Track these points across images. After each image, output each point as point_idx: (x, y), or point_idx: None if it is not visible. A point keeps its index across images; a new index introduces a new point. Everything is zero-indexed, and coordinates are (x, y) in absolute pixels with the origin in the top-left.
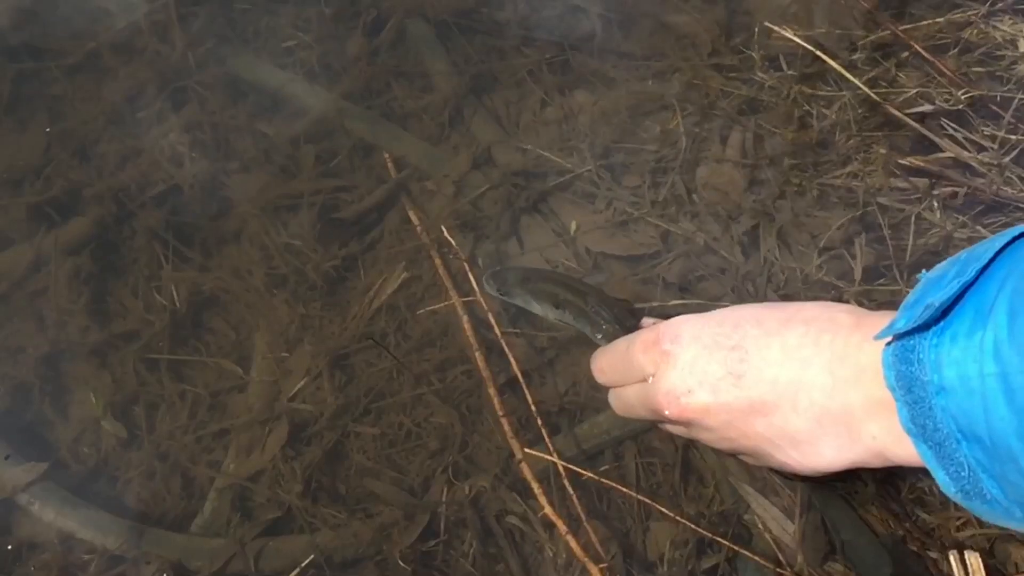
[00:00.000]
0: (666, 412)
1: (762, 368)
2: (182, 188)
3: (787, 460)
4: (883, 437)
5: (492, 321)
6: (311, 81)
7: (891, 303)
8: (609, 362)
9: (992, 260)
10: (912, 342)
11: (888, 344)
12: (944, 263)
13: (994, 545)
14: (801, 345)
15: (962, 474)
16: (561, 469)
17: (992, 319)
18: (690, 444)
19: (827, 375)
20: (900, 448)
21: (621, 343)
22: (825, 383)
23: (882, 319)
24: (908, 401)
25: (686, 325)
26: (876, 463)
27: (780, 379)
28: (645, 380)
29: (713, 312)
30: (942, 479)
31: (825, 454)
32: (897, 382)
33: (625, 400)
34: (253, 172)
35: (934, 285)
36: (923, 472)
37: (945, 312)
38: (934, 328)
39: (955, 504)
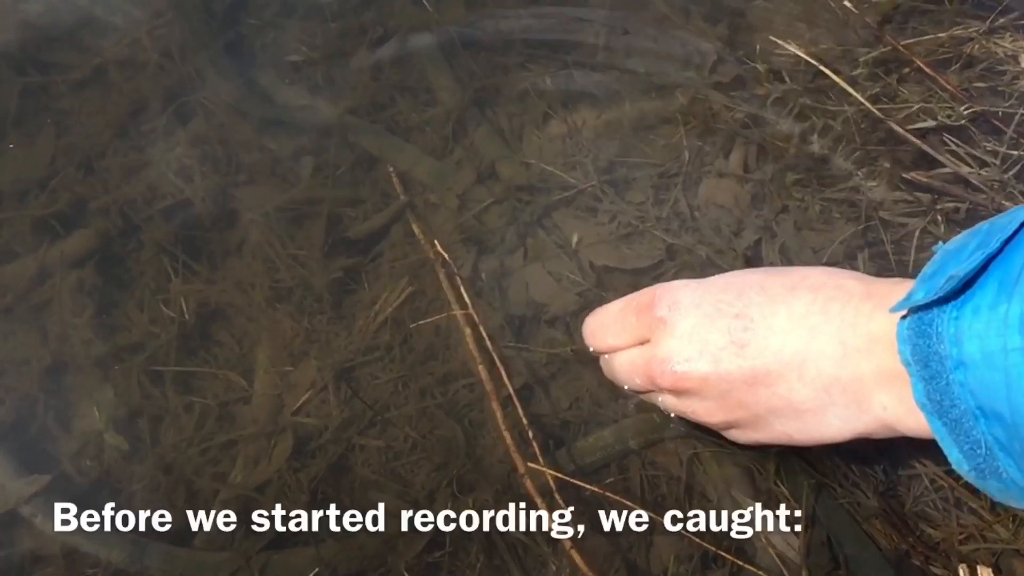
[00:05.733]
0: (660, 381)
1: (767, 337)
2: (192, 202)
3: (788, 431)
4: (894, 408)
5: (485, 335)
6: (317, 95)
7: None
8: (600, 324)
9: (1017, 231)
10: (930, 315)
11: (903, 317)
12: (962, 235)
13: (999, 559)
14: (808, 313)
15: (978, 452)
16: (552, 482)
17: (1017, 291)
18: (694, 457)
19: (837, 344)
20: (911, 420)
21: (615, 304)
22: (835, 352)
23: (892, 287)
24: (924, 376)
25: (685, 291)
26: (883, 434)
27: (786, 348)
28: (638, 345)
29: (714, 278)
30: (955, 457)
31: (831, 424)
32: (913, 356)
33: (616, 366)
34: (259, 185)
35: (954, 257)
36: (928, 486)
37: (966, 285)
38: (954, 301)
39: (959, 518)
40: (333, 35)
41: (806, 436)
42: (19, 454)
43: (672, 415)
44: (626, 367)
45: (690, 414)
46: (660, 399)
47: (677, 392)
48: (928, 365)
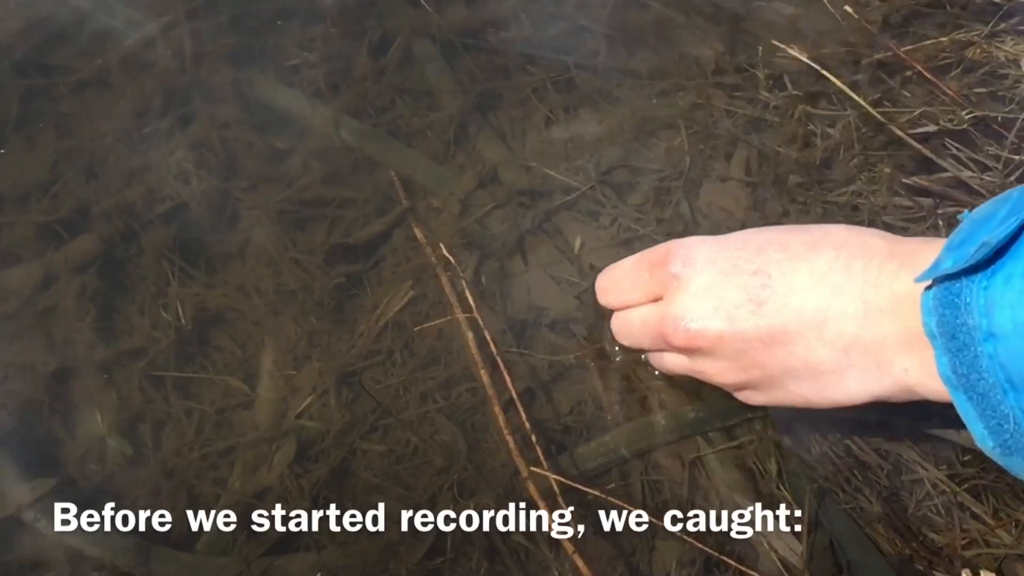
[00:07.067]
0: (672, 339)
1: (787, 295)
2: (194, 206)
3: (803, 392)
4: (916, 371)
5: (490, 339)
6: (317, 99)
7: None
8: (613, 280)
9: None
10: (958, 285)
11: (928, 288)
12: (990, 202)
13: (1002, 564)
14: (831, 271)
15: (1005, 427)
16: (555, 486)
17: None
18: (697, 461)
19: (859, 303)
20: (933, 383)
21: (627, 261)
22: (856, 311)
23: (918, 246)
24: (950, 348)
25: (701, 247)
26: (902, 397)
27: (806, 307)
28: (651, 303)
29: (731, 235)
30: (979, 433)
31: (849, 386)
32: (939, 328)
33: (628, 325)
34: (260, 189)
35: (983, 224)
36: (931, 491)
37: (996, 253)
38: (983, 271)
39: (962, 523)
40: (334, 38)
41: (822, 398)
42: (22, 459)
43: (656, 372)
44: (637, 325)
45: (701, 375)
46: (670, 360)
47: (689, 351)
48: (955, 337)
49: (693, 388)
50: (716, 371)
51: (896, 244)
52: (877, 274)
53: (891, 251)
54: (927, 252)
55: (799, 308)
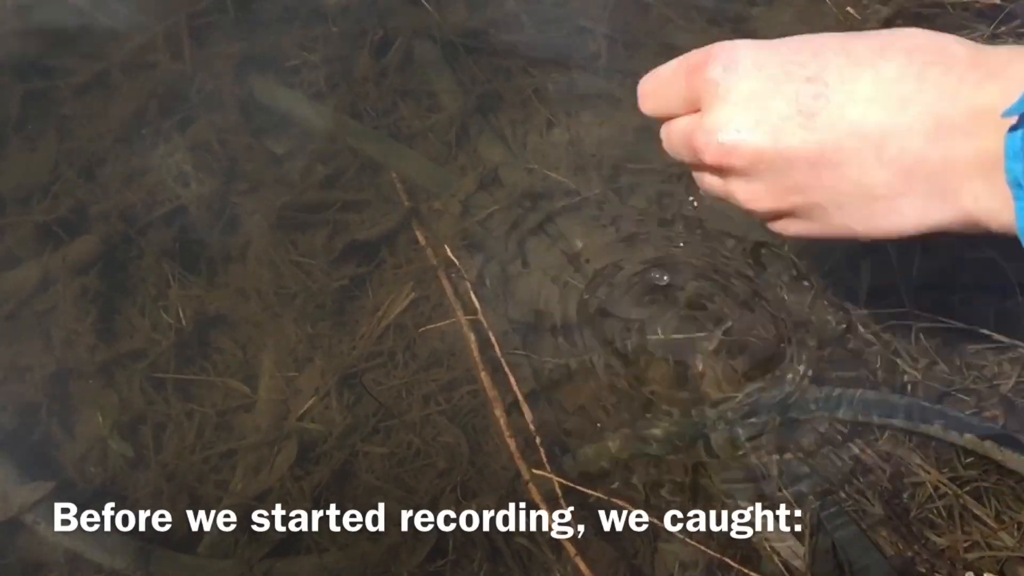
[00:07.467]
0: (704, 155)
1: (844, 106)
2: (195, 208)
3: (849, 223)
4: (988, 201)
5: (494, 341)
6: (318, 100)
7: (897, 324)
8: (653, 87)
9: None
10: None
11: (1014, 128)
12: None
13: (1004, 567)
14: (901, 79)
15: None
16: (557, 488)
17: None
18: (699, 464)
19: (930, 117)
20: (1007, 214)
21: (668, 65)
22: (926, 127)
23: (1010, 56)
24: None
25: (746, 50)
26: (960, 230)
27: (867, 120)
28: (692, 113)
29: (785, 38)
30: None
31: (904, 214)
32: None
33: (671, 137)
34: (261, 191)
35: None
36: (933, 493)
37: None
38: None
39: (964, 525)
40: (335, 39)
41: (871, 228)
42: (22, 461)
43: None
44: (677, 137)
45: (733, 198)
46: (708, 180)
47: (722, 170)
48: None
49: (697, 386)
50: (750, 195)
51: (982, 52)
52: (956, 84)
53: (976, 60)
54: (1021, 66)
55: (858, 122)
